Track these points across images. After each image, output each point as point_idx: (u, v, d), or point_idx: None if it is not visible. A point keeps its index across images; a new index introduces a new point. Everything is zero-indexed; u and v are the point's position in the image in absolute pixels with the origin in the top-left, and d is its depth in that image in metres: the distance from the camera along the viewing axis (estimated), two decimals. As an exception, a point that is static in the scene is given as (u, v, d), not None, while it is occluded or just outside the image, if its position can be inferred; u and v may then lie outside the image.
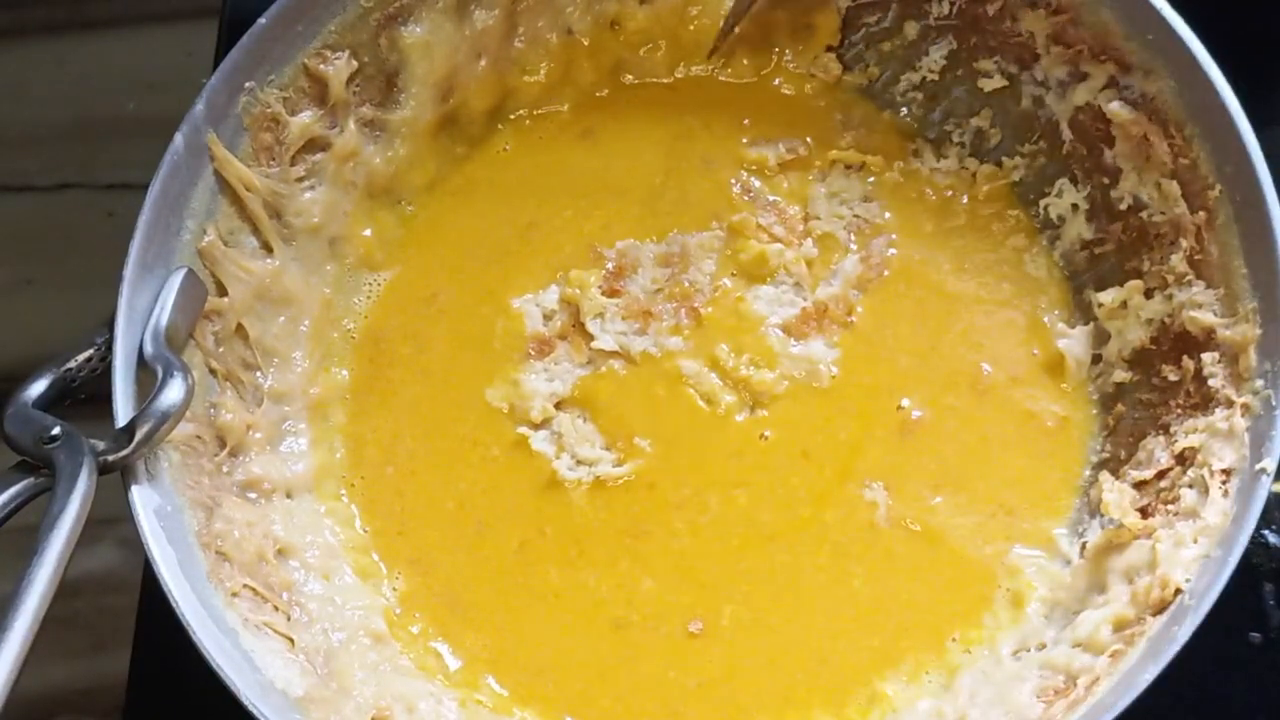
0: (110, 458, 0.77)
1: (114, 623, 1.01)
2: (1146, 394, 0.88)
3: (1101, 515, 0.85)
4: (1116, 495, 0.84)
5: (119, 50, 1.24)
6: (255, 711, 0.75)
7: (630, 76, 1.02)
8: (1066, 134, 0.93)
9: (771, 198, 0.98)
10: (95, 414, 0.79)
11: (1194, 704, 0.88)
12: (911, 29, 0.99)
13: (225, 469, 0.86)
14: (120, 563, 1.03)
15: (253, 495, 0.87)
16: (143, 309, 0.82)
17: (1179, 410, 0.84)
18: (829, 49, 1.00)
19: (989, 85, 0.97)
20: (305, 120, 0.92)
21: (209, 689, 0.75)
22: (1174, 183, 0.86)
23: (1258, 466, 0.77)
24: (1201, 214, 0.84)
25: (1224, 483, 0.78)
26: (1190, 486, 0.80)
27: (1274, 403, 0.78)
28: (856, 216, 0.98)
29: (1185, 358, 0.85)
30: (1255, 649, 0.90)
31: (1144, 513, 0.83)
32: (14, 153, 1.21)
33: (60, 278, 1.16)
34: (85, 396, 0.81)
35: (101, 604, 1.04)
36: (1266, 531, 0.93)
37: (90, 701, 1.04)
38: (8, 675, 0.68)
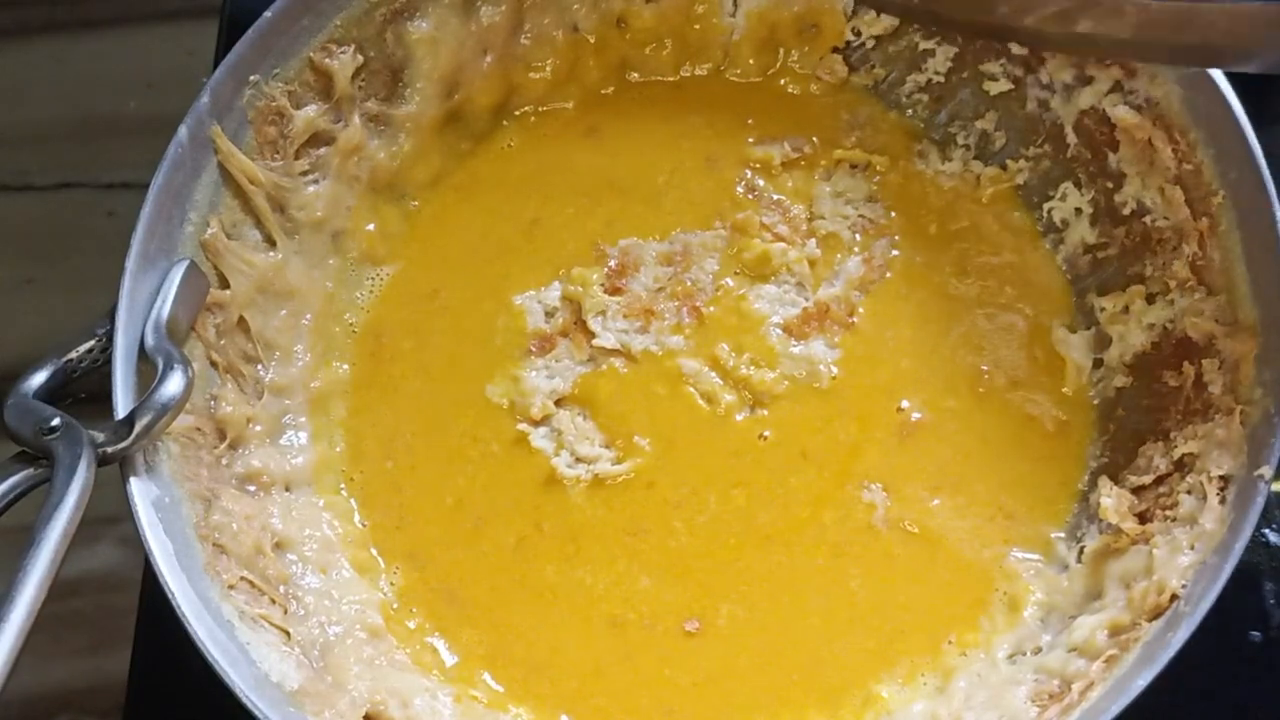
0: (109, 449, 0.77)
1: (114, 622, 1.01)
2: (1146, 399, 0.87)
3: (1100, 520, 0.85)
4: (1114, 500, 0.84)
5: (119, 49, 1.24)
6: (249, 704, 0.75)
7: (635, 74, 1.02)
8: (1071, 138, 0.93)
9: (775, 197, 0.98)
10: (96, 412, 0.79)
11: (1194, 702, 0.88)
12: (918, 31, 0.98)
13: (224, 461, 0.86)
14: (120, 562, 1.03)
15: (251, 488, 0.87)
16: (144, 301, 0.83)
17: (1178, 416, 0.84)
18: (835, 50, 1.00)
19: (994, 88, 0.96)
20: (310, 114, 0.92)
21: (209, 688, 0.75)
22: (1177, 188, 0.86)
23: (1255, 474, 0.77)
24: (1204, 220, 0.84)
25: (1221, 490, 0.78)
26: (1188, 493, 0.80)
27: (1273, 410, 0.78)
28: (861, 216, 0.98)
29: (1186, 364, 0.84)
30: (1255, 648, 0.90)
31: (1142, 518, 0.83)
32: (14, 152, 1.21)
33: (60, 277, 1.17)
34: (85, 395, 0.81)
35: (101, 603, 1.04)
36: (1267, 530, 0.93)
37: (90, 701, 1.04)
38: (5, 663, 0.68)
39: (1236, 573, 0.74)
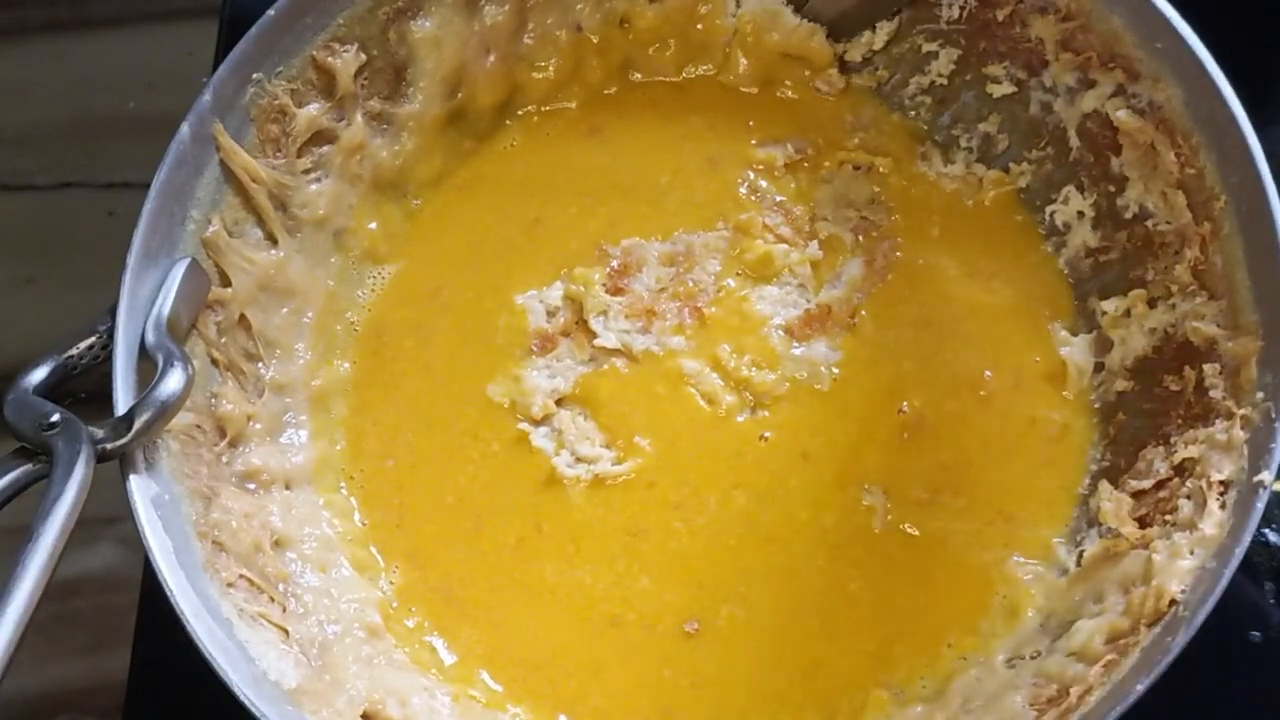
0: (109, 446, 0.77)
1: (114, 622, 1.01)
2: (1147, 403, 0.87)
3: (1100, 524, 0.85)
4: (1114, 504, 0.84)
5: (119, 49, 1.24)
6: (247, 702, 0.75)
7: (639, 75, 1.02)
8: (1074, 141, 0.93)
9: (778, 198, 0.98)
10: (96, 411, 0.79)
11: (1194, 703, 0.88)
12: (921, 33, 0.98)
13: (225, 459, 0.86)
14: (120, 562, 1.03)
15: (251, 486, 0.87)
16: (145, 298, 0.83)
17: (1179, 421, 0.84)
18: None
19: (998, 91, 0.96)
20: (312, 112, 0.92)
21: (209, 688, 0.75)
22: (1180, 192, 0.86)
23: (1256, 479, 0.76)
24: (1206, 224, 0.84)
25: (1221, 494, 0.78)
26: (1188, 497, 0.80)
27: (1274, 415, 0.77)
28: (863, 218, 0.97)
29: (1187, 368, 0.84)
30: (1255, 648, 0.90)
31: (1142, 523, 0.82)
32: (14, 152, 1.22)
33: (60, 277, 1.17)
34: (85, 395, 0.81)
35: (101, 603, 1.05)
36: (1267, 530, 0.92)
37: (90, 701, 1.04)
38: (3, 657, 0.68)
39: (1236, 572, 0.74)
